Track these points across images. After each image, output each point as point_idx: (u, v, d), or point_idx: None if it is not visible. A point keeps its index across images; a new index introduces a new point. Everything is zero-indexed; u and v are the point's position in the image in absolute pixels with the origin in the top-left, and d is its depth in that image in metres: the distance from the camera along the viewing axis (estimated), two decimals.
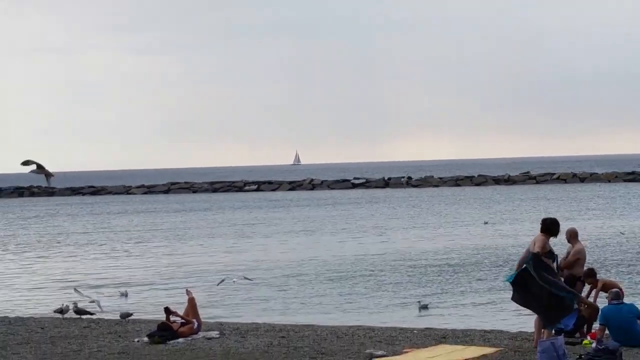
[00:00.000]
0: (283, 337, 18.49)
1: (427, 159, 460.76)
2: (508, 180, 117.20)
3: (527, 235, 38.74)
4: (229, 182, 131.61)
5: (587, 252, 18.22)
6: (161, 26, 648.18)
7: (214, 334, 18.88)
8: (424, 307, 25.06)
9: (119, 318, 22.17)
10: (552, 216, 17.05)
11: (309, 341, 17.90)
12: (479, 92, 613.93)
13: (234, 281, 29.28)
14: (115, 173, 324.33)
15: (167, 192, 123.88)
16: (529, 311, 17.30)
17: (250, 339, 18.36)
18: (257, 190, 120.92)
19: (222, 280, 27.27)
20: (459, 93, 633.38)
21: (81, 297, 27.28)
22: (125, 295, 29.20)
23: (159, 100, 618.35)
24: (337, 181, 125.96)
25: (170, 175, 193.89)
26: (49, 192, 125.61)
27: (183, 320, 18.79)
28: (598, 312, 16.97)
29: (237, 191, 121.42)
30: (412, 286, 29.58)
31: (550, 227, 16.36)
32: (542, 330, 16.09)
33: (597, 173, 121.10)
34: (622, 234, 44.44)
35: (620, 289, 17.13)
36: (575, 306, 16.72)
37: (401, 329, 19.52)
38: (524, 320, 20.70)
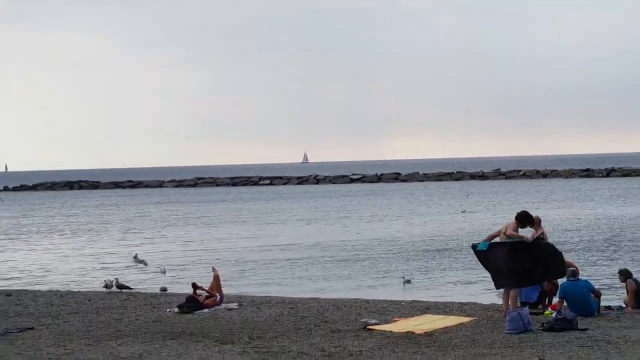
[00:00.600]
0: (292, 308, 18.45)
1: (412, 157, 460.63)
2: (482, 176, 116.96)
3: (497, 224, 38.69)
4: (246, 177, 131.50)
5: (548, 235, 18.16)
6: (192, 42, 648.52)
7: (234, 305, 18.84)
8: (408, 281, 25.14)
9: (157, 292, 22.26)
10: (524, 209, 17.05)
11: (314, 311, 17.87)
12: (461, 101, 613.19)
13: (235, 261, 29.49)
14: (149, 170, 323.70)
15: (194, 185, 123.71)
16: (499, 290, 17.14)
17: (264, 309, 18.33)
18: (270, 184, 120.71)
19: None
20: (443, 102, 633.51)
21: (142, 264, 29.58)
22: (163, 272, 28.94)
23: (189, 107, 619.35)
24: (338, 177, 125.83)
25: (197, 171, 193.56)
26: (95, 185, 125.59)
27: (207, 294, 18.81)
28: (557, 287, 16.97)
29: (253, 185, 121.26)
30: (401, 265, 29.53)
31: (523, 218, 16.47)
32: (509, 302, 16.08)
33: (557, 170, 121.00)
34: (579, 219, 44.38)
35: (576, 267, 17.09)
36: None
37: (391, 301, 19.45)
38: (495, 296, 20.69)
